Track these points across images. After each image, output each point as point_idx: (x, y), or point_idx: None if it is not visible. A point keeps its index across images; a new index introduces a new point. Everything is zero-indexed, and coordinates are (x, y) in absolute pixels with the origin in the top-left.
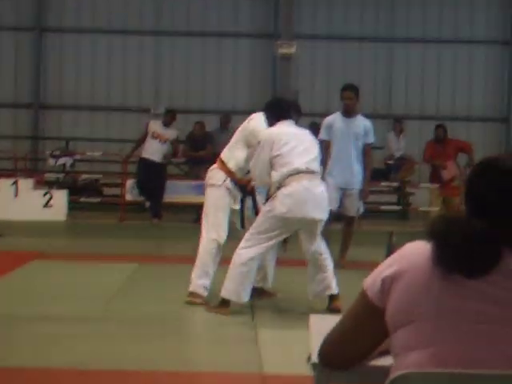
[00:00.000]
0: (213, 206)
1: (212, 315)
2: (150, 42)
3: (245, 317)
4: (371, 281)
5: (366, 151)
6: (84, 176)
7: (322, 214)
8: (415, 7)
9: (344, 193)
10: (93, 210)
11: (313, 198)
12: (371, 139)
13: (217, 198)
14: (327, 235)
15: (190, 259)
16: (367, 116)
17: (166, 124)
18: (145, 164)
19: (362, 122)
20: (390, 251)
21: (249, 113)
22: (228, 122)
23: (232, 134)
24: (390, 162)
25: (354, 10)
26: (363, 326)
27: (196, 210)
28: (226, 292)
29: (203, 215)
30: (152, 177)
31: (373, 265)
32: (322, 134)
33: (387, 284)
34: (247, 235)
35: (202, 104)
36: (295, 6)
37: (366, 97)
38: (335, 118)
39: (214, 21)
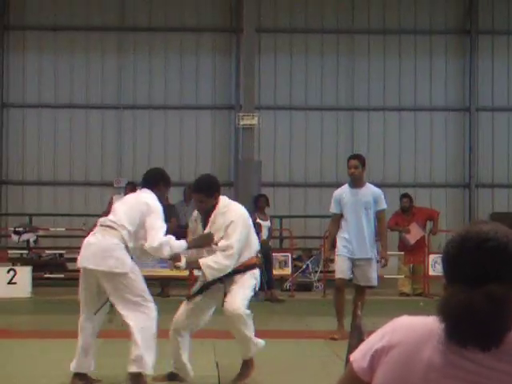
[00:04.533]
0: None
1: None
2: (111, 116)
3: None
4: (359, 354)
5: (380, 218)
6: (48, 252)
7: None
8: (375, 76)
9: (354, 263)
10: (57, 285)
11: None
12: (383, 206)
13: None
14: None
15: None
16: (333, 185)
17: None
18: None
19: (370, 191)
20: (356, 333)
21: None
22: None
23: None
24: None
25: (314, 79)
26: None
27: (160, 283)
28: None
29: None
30: None
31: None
32: (332, 208)
33: (375, 358)
34: None
35: None
36: (256, 78)
37: (328, 166)
38: (344, 191)
39: (176, 93)
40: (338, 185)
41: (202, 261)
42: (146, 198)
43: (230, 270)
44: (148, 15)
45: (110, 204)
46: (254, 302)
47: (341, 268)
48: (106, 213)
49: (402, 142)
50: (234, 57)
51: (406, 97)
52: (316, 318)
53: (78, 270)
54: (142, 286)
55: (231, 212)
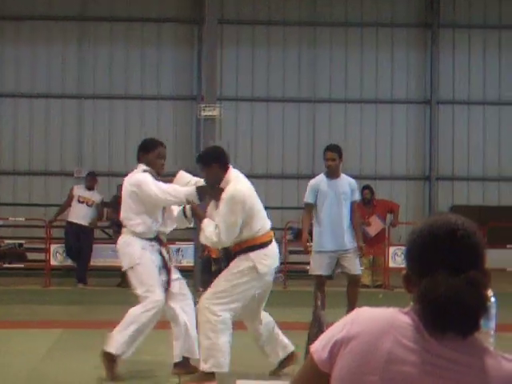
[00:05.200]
0: None
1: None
2: (72, 106)
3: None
4: (319, 345)
5: (355, 209)
6: (7, 241)
7: None
8: (337, 69)
9: (340, 255)
10: (17, 275)
11: None
12: (357, 197)
13: None
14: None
15: (114, 324)
16: (295, 176)
17: (89, 187)
18: (72, 228)
19: (347, 181)
20: (316, 323)
21: (173, 174)
22: None
23: None
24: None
25: (276, 71)
26: None
27: (120, 274)
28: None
29: None
30: (80, 241)
31: (300, 325)
32: (308, 198)
33: (335, 349)
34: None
35: (126, 167)
36: (218, 69)
37: (290, 157)
38: (321, 181)
39: (137, 84)
40: (300, 176)
41: (205, 220)
42: (132, 179)
43: (221, 246)
44: (110, 5)
45: (71, 194)
46: None
47: (319, 264)
48: (67, 203)
49: (363, 134)
50: (196, 48)
51: (367, 89)
52: (277, 310)
53: (38, 260)
54: (147, 278)
55: (226, 189)
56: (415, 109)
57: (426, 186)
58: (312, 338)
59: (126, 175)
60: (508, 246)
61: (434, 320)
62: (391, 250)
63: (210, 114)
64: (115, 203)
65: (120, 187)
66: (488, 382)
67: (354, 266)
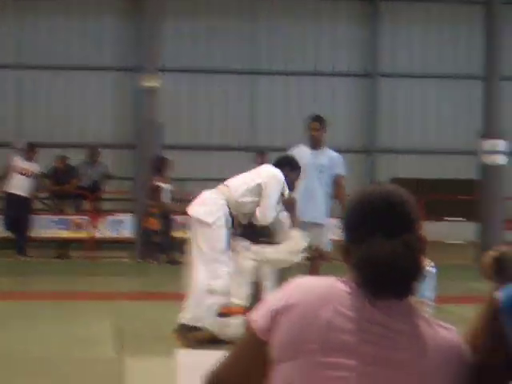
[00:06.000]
0: None
1: (75, 353)
2: (11, 76)
3: (111, 352)
4: (258, 314)
5: (338, 182)
6: None
7: None
8: (278, 41)
9: (310, 227)
10: None
11: None
12: (340, 171)
13: None
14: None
15: (54, 295)
16: (236, 148)
17: (28, 158)
18: (11, 199)
19: (327, 154)
20: (255, 294)
21: (114, 146)
22: (97, 157)
23: (102, 168)
24: None
25: (217, 43)
26: (250, 361)
27: (59, 245)
28: None
29: None
30: (19, 211)
31: None
32: None
33: (275, 317)
34: None
35: (67, 138)
36: (159, 40)
37: (231, 129)
38: (300, 150)
39: (78, 54)
40: (241, 148)
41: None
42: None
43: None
44: None
45: (10, 165)
46: (155, 264)
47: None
48: (6, 174)
49: (304, 107)
50: (138, 19)
51: (308, 61)
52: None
53: None
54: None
55: (266, 172)
56: (356, 81)
57: (366, 158)
58: (250, 308)
59: (66, 146)
60: (446, 218)
61: (370, 283)
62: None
63: (150, 84)
64: (54, 174)
65: (60, 158)
66: (424, 349)
67: (323, 241)
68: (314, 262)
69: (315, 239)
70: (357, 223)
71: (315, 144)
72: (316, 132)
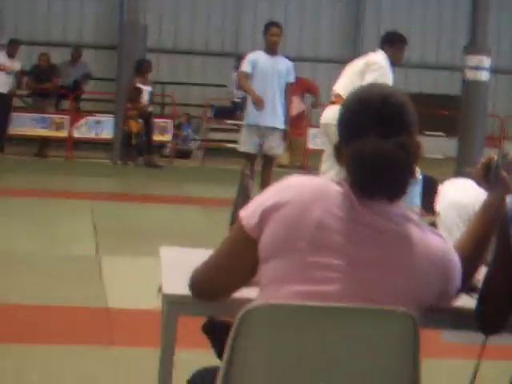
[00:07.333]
0: None
1: (53, 251)
2: None
3: (90, 250)
4: (248, 211)
5: (288, 90)
6: None
7: None
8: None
9: (265, 132)
10: None
11: None
12: (292, 78)
13: None
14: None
15: (32, 192)
16: (219, 54)
17: (10, 55)
18: None
19: (284, 61)
20: (243, 192)
21: (96, 46)
22: (79, 56)
23: (83, 68)
24: (236, 100)
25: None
26: (238, 258)
27: (38, 143)
28: None
29: None
30: None
31: (218, 201)
32: (247, 68)
33: (265, 215)
34: None
35: (48, 36)
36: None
37: (214, 35)
38: (260, 55)
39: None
40: (224, 54)
41: None
42: None
43: None
44: None
45: None
46: (133, 166)
47: (248, 140)
48: None
49: (288, 14)
50: None
51: None
52: (194, 185)
53: None
54: None
55: None
56: None
57: None
58: (239, 207)
59: (47, 44)
60: (425, 133)
61: (361, 183)
62: (311, 131)
63: None
64: (35, 72)
65: (41, 56)
66: (412, 250)
67: (276, 146)
68: (266, 169)
69: (272, 144)
70: (351, 121)
71: (274, 50)
72: (276, 37)
